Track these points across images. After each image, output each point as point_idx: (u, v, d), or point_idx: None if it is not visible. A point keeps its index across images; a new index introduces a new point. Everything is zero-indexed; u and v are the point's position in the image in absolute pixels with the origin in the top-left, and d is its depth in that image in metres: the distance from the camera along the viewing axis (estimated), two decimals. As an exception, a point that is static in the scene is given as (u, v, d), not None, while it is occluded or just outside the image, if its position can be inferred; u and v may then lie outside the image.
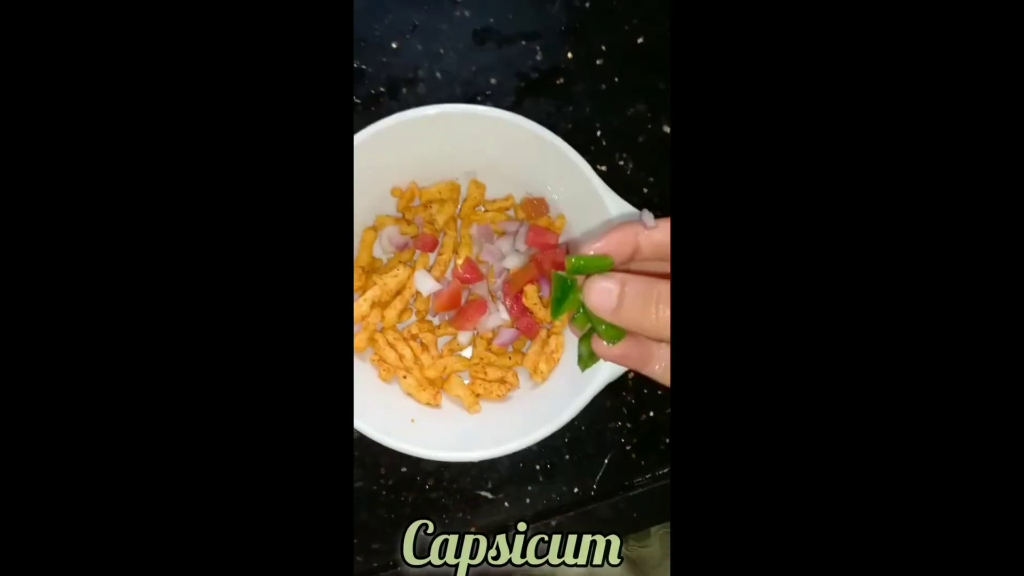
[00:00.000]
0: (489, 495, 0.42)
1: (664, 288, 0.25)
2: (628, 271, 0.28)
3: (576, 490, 0.43)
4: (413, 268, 0.41)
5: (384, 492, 0.42)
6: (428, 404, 0.39)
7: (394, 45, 0.45)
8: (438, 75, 0.45)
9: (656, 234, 0.28)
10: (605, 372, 0.34)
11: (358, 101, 0.45)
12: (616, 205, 0.36)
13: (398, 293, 0.40)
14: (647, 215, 0.29)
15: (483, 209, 0.42)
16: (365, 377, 0.39)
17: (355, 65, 0.45)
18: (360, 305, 0.39)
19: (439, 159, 0.40)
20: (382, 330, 0.40)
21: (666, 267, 0.29)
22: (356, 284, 0.40)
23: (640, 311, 0.26)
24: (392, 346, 0.39)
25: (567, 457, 0.43)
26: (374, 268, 0.41)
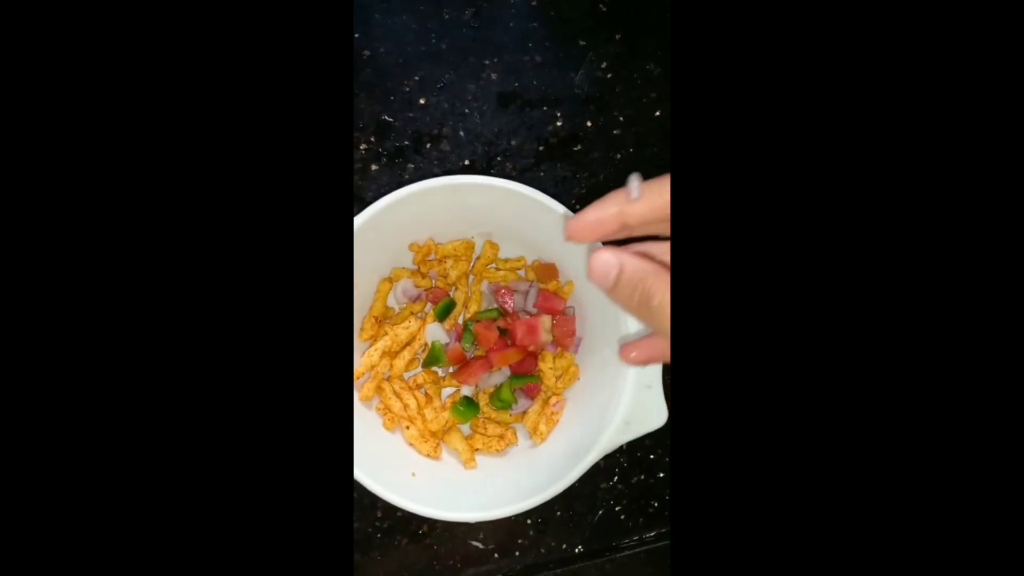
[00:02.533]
0: (480, 545, 0.43)
1: (657, 281, 0.25)
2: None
3: (564, 546, 0.44)
4: (424, 320, 0.42)
5: (379, 535, 0.43)
6: (428, 455, 0.40)
7: (422, 101, 0.47)
8: (461, 133, 0.47)
9: (640, 206, 0.26)
10: (602, 443, 0.36)
11: (383, 152, 0.46)
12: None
13: (407, 344, 0.42)
14: (634, 181, 0.27)
15: (495, 267, 0.44)
16: (370, 425, 0.40)
17: (383, 118, 0.47)
18: (371, 354, 0.40)
19: (457, 220, 0.42)
20: (389, 379, 0.42)
21: (659, 229, 0.28)
22: (368, 333, 0.42)
23: (629, 297, 0.26)
24: (398, 395, 0.41)
25: (558, 513, 0.44)
26: (387, 317, 0.43)
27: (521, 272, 0.44)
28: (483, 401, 0.42)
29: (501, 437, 0.41)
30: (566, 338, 0.42)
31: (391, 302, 0.43)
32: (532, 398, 0.42)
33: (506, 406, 0.41)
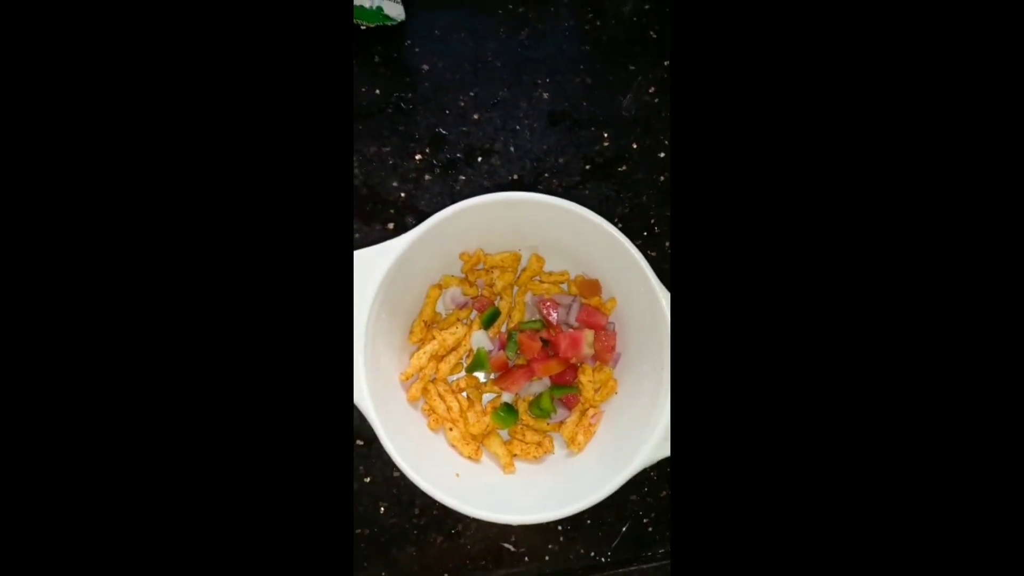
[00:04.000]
0: (512, 548, 0.45)
1: None
2: None
3: (593, 554, 0.45)
4: (470, 326, 0.44)
5: (415, 532, 0.45)
6: (470, 457, 0.42)
7: (475, 116, 0.49)
8: (512, 149, 0.49)
9: None
10: (642, 456, 0.37)
11: (437, 164, 0.48)
12: (664, 294, 0.39)
13: (453, 349, 0.44)
14: None
15: (540, 280, 0.45)
16: (417, 425, 0.42)
17: (437, 131, 0.49)
18: (419, 356, 0.42)
19: (506, 232, 0.43)
20: (435, 381, 0.43)
21: None
22: (417, 336, 0.43)
23: None
24: (442, 397, 0.43)
25: (588, 522, 0.45)
26: (435, 322, 0.45)
27: (564, 286, 0.45)
28: (522, 408, 0.44)
29: (539, 444, 0.43)
30: (606, 353, 0.43)
31: (439, 308, 0.45)
32: (570, 409, 0.43)
33: (545, 415, 0.43)
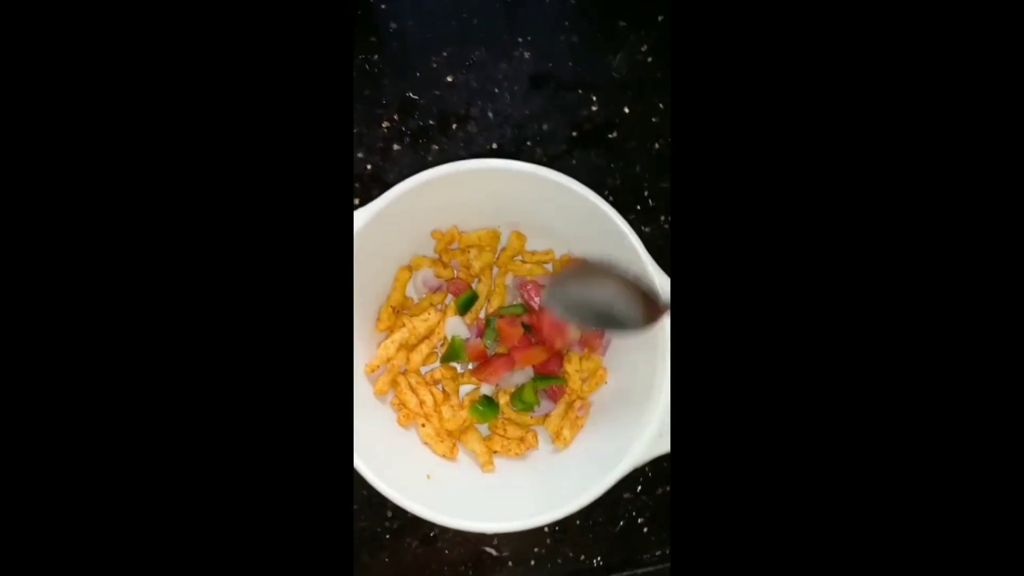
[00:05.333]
0: (494, 552, 0.41)
1: None
2: None
3: (583, 557, 0.42)
4: (444, 312, 0.40)
5: (388, 536, 0.41)
6: (444, 456, 0.38)
7: (449, 79, 0.45)
8: (490, 115, 0.45)
9: None
10: (635, 453, 0.33)
11: (407, 132, 0.44)
12: (659, 275, 0.35)
13: (426, 337, 0.39)
14: None
15: (521, 260, 0.41)
16: (384, 421, 0.38)
17: (407, 96, 0.44)
18: (387, 346, 0.38)
19: (483, 207, 0.39)
20: (406, 373, 0.39)
21: None
22: (385, 323, 0.39)
23: None
24: (414, 390, 0.39)
25: (577, 522, 0.42)
26: (405, 307, 0.40)
27: (548, 266, 0.41)
28: (503, 401, 0.40)
29: (521, 440, 0.39)
30: (594, 339, 0.39)
31: (410, 292, 0.41)
32: (555, 401, 0.39)
33: (528, 408, 0.39)
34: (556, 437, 0.38)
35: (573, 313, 0.32)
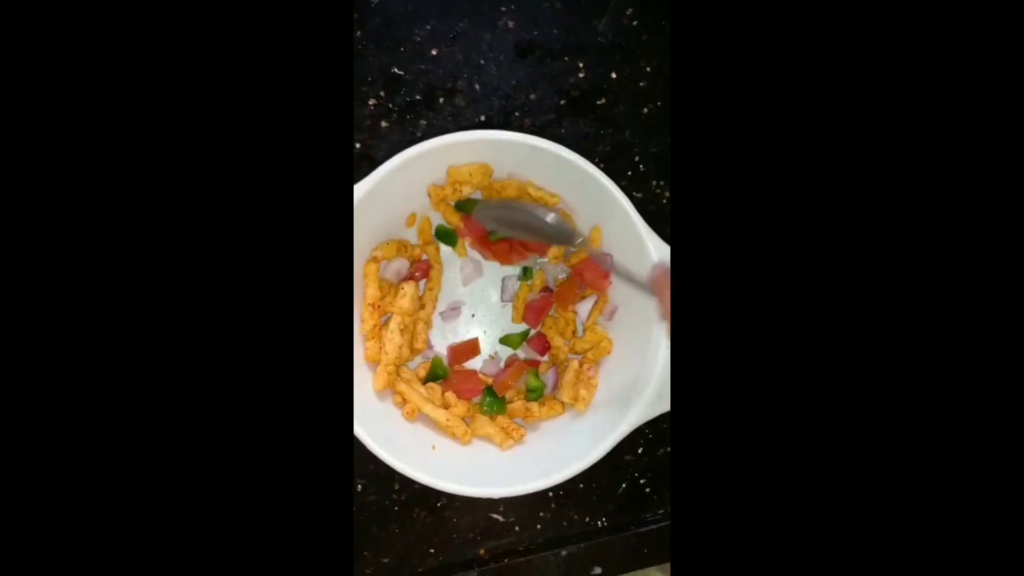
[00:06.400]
0: (500, 518, 0.42)
1: None
2: None
3: (588, 519, 0.43)
4: (416, 284, 0.39)
5: (397, 508, 0.42)
6: (461, 438, 0.38)
7: (434, 52, 0.44)
8: (477, 87, 0.44)
9: None
10: (635, 413, 0.34)
11: (394, 108, 0.44)
12: (652, 239, 0.35)
13: (421, 307, 0.40)
14: None
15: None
16: (383, 397, 0.38)
17: (392, 71, 0.44)
18: (391, 339, 0.37)
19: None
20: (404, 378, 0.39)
21: None
22: (368, 324, 0.38)
23: None
24: (409, 383, 0.38)
25: (580, 486, 0.43)
26: (383, 298, 0.39)
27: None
28: (510, 396, 0.40)
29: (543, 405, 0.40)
30: (600, 280, 0.39)
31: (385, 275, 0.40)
32: (541, 353, 0.40)
33: (539, 391, 0.40)
34: (575, 401, 0.38)
35: (501, 225, 0.38)
